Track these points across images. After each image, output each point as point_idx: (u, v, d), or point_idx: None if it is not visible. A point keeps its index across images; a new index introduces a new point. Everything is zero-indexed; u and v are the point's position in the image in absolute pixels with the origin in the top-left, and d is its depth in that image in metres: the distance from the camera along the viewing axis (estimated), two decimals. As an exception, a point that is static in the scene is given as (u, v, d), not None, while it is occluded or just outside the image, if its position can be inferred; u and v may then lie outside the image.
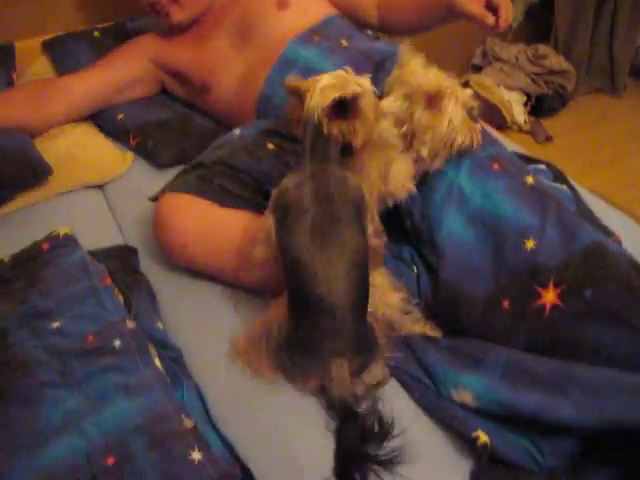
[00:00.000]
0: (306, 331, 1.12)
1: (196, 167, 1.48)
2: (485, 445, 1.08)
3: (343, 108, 1.11)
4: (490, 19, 1.56)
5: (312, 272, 1.09)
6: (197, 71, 1.84)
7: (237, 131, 1.59)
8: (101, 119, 1.93)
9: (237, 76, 1.77)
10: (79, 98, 1.86)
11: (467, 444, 1.12)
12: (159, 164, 1.80)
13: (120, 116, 1.90)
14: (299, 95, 1.14)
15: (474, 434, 1.10)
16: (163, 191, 1.44)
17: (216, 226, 1.39)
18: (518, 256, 1.22)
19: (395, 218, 1.38)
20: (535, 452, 1.08)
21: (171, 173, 1.59)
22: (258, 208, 1.39)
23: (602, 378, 1.09)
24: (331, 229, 1.10)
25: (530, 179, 1.32)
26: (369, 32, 1.91)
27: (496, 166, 1.33)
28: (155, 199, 1.45)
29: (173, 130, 1.83)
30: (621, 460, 1.06)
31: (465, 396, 1.15)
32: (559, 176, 1.68)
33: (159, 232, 1.41)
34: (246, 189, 1.43)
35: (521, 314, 1.19)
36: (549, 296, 1.17)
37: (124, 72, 1.92)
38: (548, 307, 1.17)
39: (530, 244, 1.22)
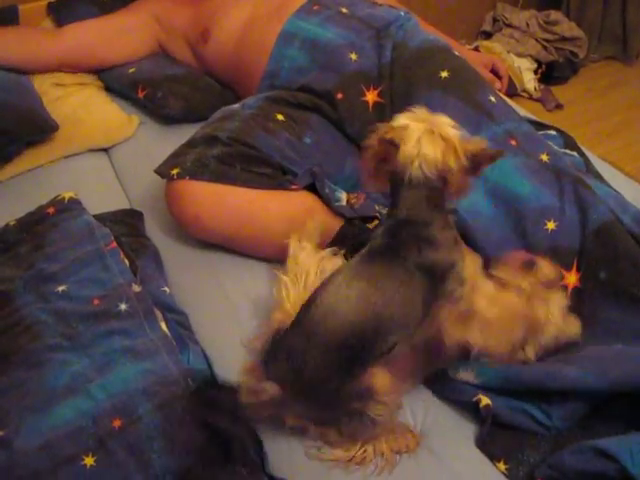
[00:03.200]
0: (283, 336, 1.03)
1: (210, 142, 1.41)
2: (488, 406, 1.09)
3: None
4: None
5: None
6: (198, 20, 1.83)
7: (236, 105, 1.56)
8: (110, 75, 1.92)
9: (238, 25, 1.74)
10: (68, 37, 1.87)
11: (470, 411, 1.13)
12: (166, 116, 1.79)
13: (131, 70, 1.89)
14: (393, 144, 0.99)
15: (475, 398, 1.11)
16: (180, 174, 1.35)
17: (232, 199, 1.36)
18: (539, 235, 1.24)
19: None
20: (541, 416, 1.09)
21: (178, 135, 1.57)
22: (277, 183, 1.39)
23: (608, 350, 1.12)
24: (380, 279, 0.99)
25: (545, 157, 1.34)
26: None
27: (513, 142, 1.34)
28: (164, 175, 1.38)
29: (183, 84, 1.80)
30: (627, 418, 1.08)
31: (466, 375, 1.15)
32: (570, 142, 1.68)
33: (172, 204, 1.38)
34: (266, 167, 1.40)
35: None
36: (571, 278, 1.20)
37: (120, 20, 1.94)
38: (570, 288, 1.19)
39: (551, 225, 1.24)
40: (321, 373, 0.96)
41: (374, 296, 0.97)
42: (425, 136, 0.98)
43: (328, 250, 1.25)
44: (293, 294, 1.14)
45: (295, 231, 1.26)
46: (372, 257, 1.01)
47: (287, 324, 1.03)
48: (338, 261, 1.21)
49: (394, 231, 1.01)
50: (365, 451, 1.03)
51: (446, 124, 1.01)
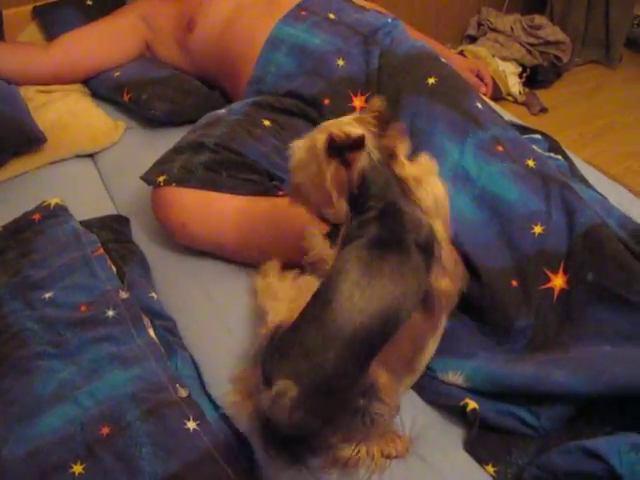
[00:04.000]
0: (293, 333, 1.01)
1: (196, 148, 1.42)
2: (474, 410, 1.10)
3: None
4: None
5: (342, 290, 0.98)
6: (184, 12, 1.85)
7: (222, 110, 1.56)
8: (96, 79, 1.92)
9: (224, 13, 1.76)
10: (59, 52, 1.88)
11: (458, 415, 1.13)
12: (152, 118, 1.79)
13: (117, 73, 1.89)
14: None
15: (462, 402, 1.11)
16: (167, 181, 1.35)
17: (218, 206, 1.36)
18: (526, 240, 1.25)
19: None
20: (529, 417, 1.10)
21: (164, 141, 1.57)
22: (264, 189, 1.39)
23: (598, 352, 1.12)
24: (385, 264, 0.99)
25: (531, 162, 1.36)
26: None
27: (500, 148, 1.36)
28: (151, 182, 1.38)
29: (169, 86, 1.80)
30: (614, 419, 1.09)
31: (455, 378, 1.16)
32: (554, 146, 1.69)
33: (159, 211, 1.38)
34: (252, 173, 1.40)
35: (530, 294, 1.22)
36: (558, 281, 1.22)
37: (108, 26, 1.94)
38: (557, 291, 1.21)
39: (538, 229, 1.25)
40: (341, 367, 0.94)
41: (395, 291, 0.98)
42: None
43: (293, 273, 1.26)
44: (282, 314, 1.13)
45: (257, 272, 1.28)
46: (379, 250, 1.00)
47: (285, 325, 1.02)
48: (307, 278, 1.20)
49: (383, 218, 1.02)
50: (359, 452, 1.03)
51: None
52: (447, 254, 1.08)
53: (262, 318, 1.16)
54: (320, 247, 1.24)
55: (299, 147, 1.05)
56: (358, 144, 0.99)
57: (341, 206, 1.05)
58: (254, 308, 1.27)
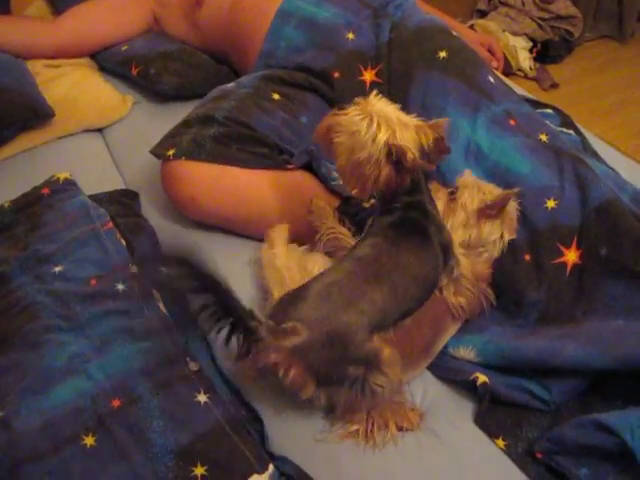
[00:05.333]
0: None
1: (205, 122, 1.40)
2: (485, 384, 1.10)
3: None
4: None
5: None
6: None
7: (231, 84, 1.54)
8: (103, 54, 1.91)
9: None
10: (66, 26, 1.86)
11: (468, 390, 1.13)
12: (160, 92, 1.78)
13: (124, 47, 1.87)
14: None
15: (472, 377, 1.11)
16: (176, 154, 1.34)
17: (228, 179, 1.35)
18: (538, 214, 1.24)
19: None
20: (540, 391, 1.10)
21: (172, 115, 1.55)
22: (274, 163, 1.38)
23: (611, 326, 1.12)
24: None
25: (544, 136, 1.35)
26: None
27: (512, 122, 1.35)
28: (160, 156, 1.37)
29: (177, 60, 1.78)
30: (625, 394, 1.09)
31: (466, 353, 1.17)
32: (566, 121, 1.68)
33: (168, 185, 1.37)
34: (262, 146, 1.39)
35: (542, 269, 1.21)
36: (571, 255, 1.21)
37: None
38: (570, 265, 1.20)
39: (551, 204, 1.24)
40: (356, 320, 0.97)
41: (417, 268, 1.05)
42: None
43: (302, 248, 1.28)
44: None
45: (265, 239, 1.28)
46: (403, 230, 1.08)
47: None
48: (316, 257, 1.22)
49: (409, 209, 1.09)
50: (373, 423, 1.04)
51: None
52: (468, 283, 1.17)
53: (265, 296, 1.19)
54: (329, 222, 1.25)
55: (340, 126, 1.08)
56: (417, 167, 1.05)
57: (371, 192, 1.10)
58: (264, 283, 1.26)
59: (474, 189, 1.22)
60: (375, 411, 1.05)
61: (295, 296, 1.00)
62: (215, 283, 0.93)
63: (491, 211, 1.19)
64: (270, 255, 1.23)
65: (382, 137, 1.03)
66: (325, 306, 0.97)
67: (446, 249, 1.10)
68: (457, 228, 1.20)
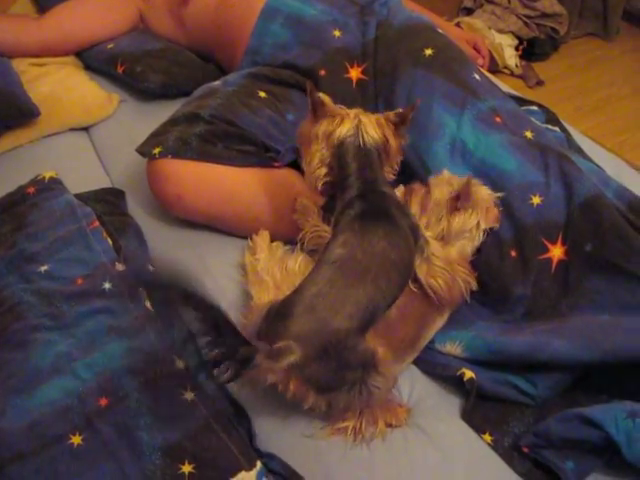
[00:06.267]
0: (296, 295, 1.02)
1: (192, 120, 1.40)
2: (471, 379, 1.11)
3: None
4: None
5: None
6: None
7: (217, 82, 1.54)
8: (89, 52, 1.90)
9: None
10: (51, 25, 1.84)
11: (455, 385, 1.15)
12: (146, 90, 1.77)
13: (110, 45, 1.86)
14: None
15: (459, 372, 1.12)
16: (162, 153, 1.33)
17: (214, 177, 1.35)
18: (524, 210, 1.24)
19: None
20: (526, 386, 1.11)
21: (159, 113, 1.54)
22: (260, 160, 1.38)
23: (596, 321, 1.13)
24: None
25: (529, 133, 1.36)
26: None
27: (498, 119, 1.36)
28: (146, 154, 1.37)
29: (163, 58, 1.78)
30: (610, 388, 1.11)
31: (453, 348, 1.17)
32: (551, 118, 1.69)
33: (154, 183, 1.36)
34: (248, 144, 1.39)
35: (528, 264, 1.22)
36: (556, 251, 1.22)
37: None
38: (555, 261, 1.21)
39: (537, 200, 1.25)
40: (346, 325, 0.96)
41: (392, 253, 1.04)
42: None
43: (284, 249, 1.28)
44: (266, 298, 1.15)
45: (247, 247, 1.31)
46: (370, 219, 1.06)
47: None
48: (298, 257, 1.22)
49: (367, 198, 1.09)
50: (361, 423, 1.05)
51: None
52: (439, 262, 1.16)
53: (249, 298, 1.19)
54: (313, 220, 1.25)
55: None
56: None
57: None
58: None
59: (444, 184, 1.24)
60: (366, 408, 1.05)
61: (281, 313, 0.98)
62: (207, 304, 0.92)
63: (458, 202, 1.20)
64: (252, 261, 1.25)
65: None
66: (313, 319, 0.96)
67: (414, 229, 1.11)
68: (434, 224, 1.21)
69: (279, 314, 0.99)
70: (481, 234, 1.22)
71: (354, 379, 0.98)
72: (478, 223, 1.21)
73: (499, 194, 1.25)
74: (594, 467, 1.02)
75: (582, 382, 1.13)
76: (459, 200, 1.20)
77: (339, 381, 0.98)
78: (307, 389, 0.97)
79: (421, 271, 1.14)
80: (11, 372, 1.09)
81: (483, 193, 1.23)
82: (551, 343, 1.08)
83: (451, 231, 1.20)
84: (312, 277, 1.02)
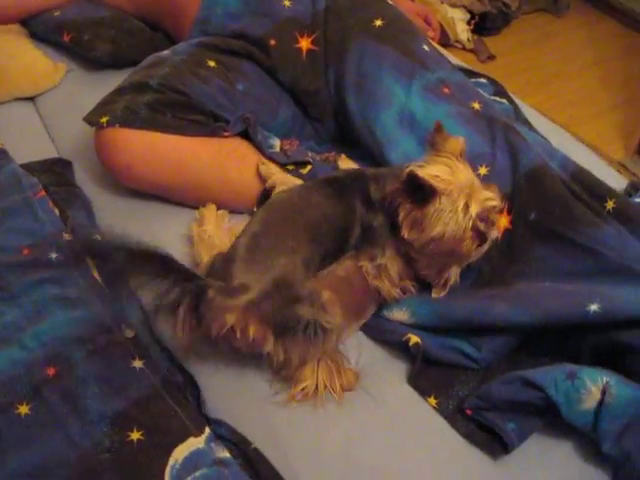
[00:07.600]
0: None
1: (140, 89, 1.38)
2: (417, 344, 1.13)
3: None
4: None
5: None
6: None
7: (166, 51, 1.52)
8: (34, 20, 1.85)
9: None
10: None
11: (401, 351, 1.16)
12: (93, 59, 1.74)
13: (57, 13, 1.81)
14: None
15: (404, 338, 1.14)
16: (110, 122, 1.32)
17: (163, 147, 1.34)
18: None
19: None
20: (471, 349, 1.13)
21: (106, 83, 1.51)
22: (210, 130, 1.37)
23: (538, 287, 1.16)
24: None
25: (477, 105, 1.37)
26: None
27: (446, 90, 1.37)
28: (93, 123, 1.35)
29: (110, 27, 1.74)
30: (552, 351, 1.13)
31: (400, 314, 1.19)
32: (499, 90, 1.71)
33: (103, 152, 1.34)
34: (197, 114, 1.37)
35: None
36: (502, 221, 1.23)
37: None
38: (501, 230, 1.22)
39: (483, 170, 1.27)
40: (291, 260, 1.01)
41: (328, 209, 1.11)
42: None
43: (231, 220, 1.32)
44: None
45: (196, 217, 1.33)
46: (326, 184, 1.15)
47: None
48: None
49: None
50: (317, 385, 1.07)
51: None
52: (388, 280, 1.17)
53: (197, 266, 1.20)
54: (278, 173, 1.30)
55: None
56: None
57: None
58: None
59: None
60: (321, 368, 1.07)
61: (228, 258, 1.02)
62: (155, 250, 0.94)
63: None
64: (200, 232, 1.27)
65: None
66: (259, 256, 1.01)
67: (366, 223, 1.13)
68: None
69: (226, 259, 1.03)
70: None
71: (307, 316, 1.00)
72: None
73: None
74: (535, 428, 1.05)
75: (526, 346, 1.16)
76: None
77: (293, 317, 1.00)
78: (265, 331, 0.99)
79: (366, 272, 1.15)
80: (-44, 343, 1.08)
81: None
82: (494, 307, 1.11)
83: None
84: (251, 220, 1.08)
